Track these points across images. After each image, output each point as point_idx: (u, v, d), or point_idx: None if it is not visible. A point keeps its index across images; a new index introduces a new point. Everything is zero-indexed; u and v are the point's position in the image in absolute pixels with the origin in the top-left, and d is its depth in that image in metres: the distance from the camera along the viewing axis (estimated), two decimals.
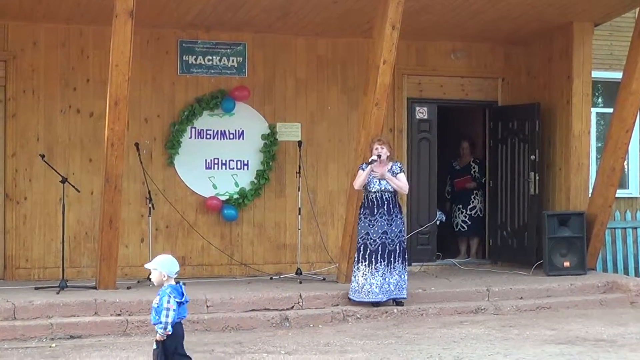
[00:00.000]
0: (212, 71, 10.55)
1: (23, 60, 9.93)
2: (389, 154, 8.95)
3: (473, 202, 11.99)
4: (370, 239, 8.80)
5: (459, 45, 11.41)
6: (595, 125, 11.91)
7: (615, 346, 7.39)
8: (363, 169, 8.90)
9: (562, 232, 10.50)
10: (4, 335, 7.65)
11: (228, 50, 10.61)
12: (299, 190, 10.31)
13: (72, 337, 7.80)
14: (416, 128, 11.37)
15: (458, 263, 11.50)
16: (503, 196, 11.52)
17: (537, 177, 11.05)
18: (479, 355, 7.04)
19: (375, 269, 8.75)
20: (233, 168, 10.63)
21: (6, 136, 9.89)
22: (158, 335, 5.43)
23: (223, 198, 10.53)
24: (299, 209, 10.31)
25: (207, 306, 8.49)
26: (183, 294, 5.53)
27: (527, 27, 10.81)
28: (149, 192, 9.78)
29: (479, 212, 11.98)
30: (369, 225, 8.83)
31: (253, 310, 8.57)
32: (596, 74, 11.15)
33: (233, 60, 10.63)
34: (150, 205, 9.75)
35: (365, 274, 8.77)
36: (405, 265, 8.96)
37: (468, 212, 11.98)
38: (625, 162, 11.57)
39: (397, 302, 8.90)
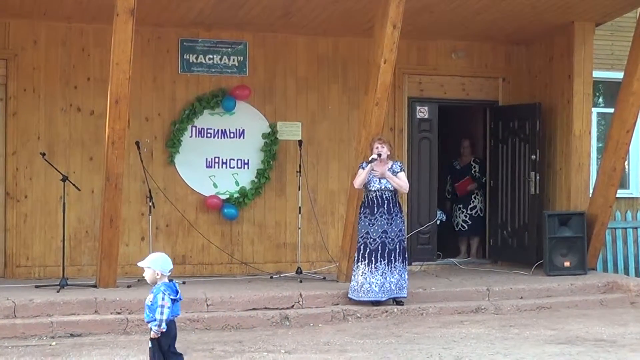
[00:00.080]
0: (213, 70, 10.55)
1: (24, 59, 9.93)
2: (389, 153, 8.95)
3: (473, 201, 11.99)
4: (370, 238, 8.80)
5: (459, 45, 11.41)
6: (596, 125, 11.91)
7: (615, 346, 7.39)
8: (363, 168, 8.90)
9: (562, 232, 10.50)
10: (5, 334, 7.66)
11: (229, 49, 10.61)
12: (299, 190, 10.31)
13: (72, 335, 7.80)
14: (417, 127, 11.37)
15: (458, 263, 11.50)
16: (503, 196, 11.52)
17: (538, 177, 11.05)
18: (479, 354, 7.03)
19: (375, 268, 8.75)
20: (233, 167, 10.63)
21: (7, 134, 9.89)
22: (152, 332, 5.43)
23: (223, 197, 10.53)
24: (300, 208, 10.31)
25: (207, 305, 8.49)
26: (177, 292, 5.52)
27: (528, 27, 10.80)
28: (150, 191, 9.78)
29: (479, 211, 11.98)
30: (369, 224, 8.83)
31: (253, 309, 8.57)
32: (597, 74, 11.14)
33: (234, 59, 10.63)
34: (150, 203, 9.75)
35: (365, 273, 8.77)
36: (406, 264, 8.96)
37: (468, 211, 11.99)
38: (626, 162, 11.57)
39: (397, 302, 8.90)
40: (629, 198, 12.18)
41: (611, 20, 10.98)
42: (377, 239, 8.79)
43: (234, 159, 10.64)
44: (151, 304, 5.45)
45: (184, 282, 9.44)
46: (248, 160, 10.67)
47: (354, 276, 8.88)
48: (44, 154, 9.40)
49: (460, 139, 12.26)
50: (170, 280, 5.56)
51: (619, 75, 10.55)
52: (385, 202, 8.86)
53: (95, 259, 9.36)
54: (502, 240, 11.56)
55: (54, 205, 9.90)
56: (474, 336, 7.82)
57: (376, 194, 8.87)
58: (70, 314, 8.07)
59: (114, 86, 8.43)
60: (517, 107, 11.47)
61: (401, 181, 8.93)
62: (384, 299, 8.79)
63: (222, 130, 10.59)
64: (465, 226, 12.00)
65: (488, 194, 11.85)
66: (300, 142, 10.45)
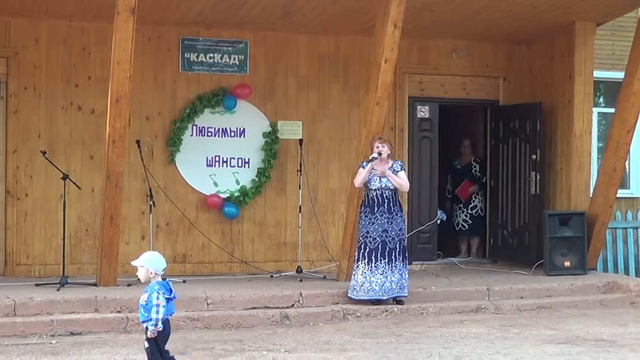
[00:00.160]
0: (214, 69, 10.55)
1: (25, 57, 9.94)
2: (389, 152, 8.95)
3: (474, 201, 11.98)
4: (370, 237, 8.80)
5: (460, 44, 11.41)
6: (597, 125, 11.91)
7: (615, 346, 7.39)
8: (364, 167, 8.90)
9: (562, 231, 10.49)
10: (5, 332, 7.65)
11: (230, 47, 10.61)
12: (299, 189, 10.31)
13: (72, 333, 7.80)
14: (417, 127, 11.37)
15: (458, 262, 11.50)
16: (504, 195, 11.52)
17: (538, 177, 11.05)
18: (479, 354, 7.03)
19: (375, 267, 8.75)
20: (234, 166, 10.64)
21: (7, 133, 9.90)
22: (149, 332, 5.42)
23: (224, 196, 10.53)
24: (300, 207, 10.31)
25: (208, 304, 8.49)
26: (171, 290, 5.51)
27: (529, 27, 10.80)
28: (150, 190, 9.79)
29: (479, 211, 11.98)
30: (369, 223, 8.83)
31: (253, 308, 8.56)
32: (598, 74, 11.14)
33: (234, 58, 10.63)
34: (151, 202, 9.75)
35: (365, 272, 8.77)
36: (406, 263, 8.96)
37: (469, 211, 11.98)
38: (627, 162, 11.57)
39: (398, 301, 8.90)
40: (630, 198, 12.18)
41: (612, 20, 10.97)
42: (377, 238, 8.79)
43: (234, 158, 10.64)
44: (146, 304, 5.44)
45: (184, 281, 9.46)
46: (249, 159, 10.67)
47: (354, 275, 8.88)
48: (44, 153, 9.41)
49: (461, 139, 12.26)
50: (164, 279, 5.54)
51: (619, 75, 10.55)
52: (386, 201, 8.86)
53: (96, 258, 9.36)
54: (503, 239, 11.56)
55: (54, 204, 9.90)
56: (474, 336, 7.82)
57: (377, 193, 8.87)
58: (70, 313, 8.07)
59: (114, 85, 8.43)
60: (518, 106, 11.47)
61: (402, 180, 8.93)
62: (384, 298, 8.79)
63: (222, 129, 10.60)
64: (466, 226, 12.00)
65: (488, 194, 11.85)
66: (300, 141, 10.44)
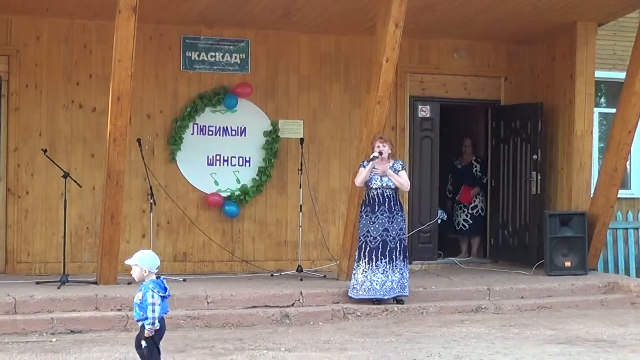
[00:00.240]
0: (215, 67, 10.55)
1: (26, 55, 9.94)
2: (390, 151, 8.95)
3: (474, 201, 11.98)
4: (371, 236, 8.80)
5: (462, 44, 11.40)
6: (598, 126, 11.90)
7: (615, 347, 7.38)
8: (364, 166, 8.90)
9: (563, 232, 10.49)
10: (5, 329, 7.66)
11: (231, 46, 10.61)
12: (300, 188, 10.31)
13: (72, 331, 7.80)
14: (418, 126, 11.37)
15: (459, 262, 11.50)
16: (505, 195, 11.52)
17: (539, 177, 11.04)
18: (479, 354, 7.03)
19: (376, 266, 8.75)
20: (235, 165, 10.64)
21: (9, 130, 9.90)
22: (146, 331, 5.41)
23: (224, 194, 10.53)
24: (301, 206, 10.31)
25: (208, 302, 8.49)
26: (166, 289, 5.50)
27: (531, 27, 10.79)
28: (151, 188, 9.79)
29: (480, 211, 11.98)
30: (370, 222, 8.83)
31: (253, 307, 8.57)
32: (599, 74, 11.13)
33: (236, 57, 10.62)
34: (151, 201, 9.75)
35: (366, 271, 8.77)
36: (407, 263, 8.97)
37: (469, 211, 11.98)
38: (628, 163, 11.56)
39: (398, 300, 8.90)
40: (630, 198, 12.17)
41: (614, 21, 10.97)
42: (377, 237, 8.79)
43: (235, 157, 10.64)
44: (141, 302, 5.43)
45: (184, 280, 9.46)
46: (249, 158, 10.67)
47: (354, 274, 8.88)
48: (45, 151, 9.42)
49: (462, 138, 12.25)
50: (158, 277, 5.53)
51: (621, 75, 10.55)
52: (387, 200, 8.86)
53: (96, 256, 9.37)
54: (503, 239, 11.55)
55: (55, 202, 9.91)
56: (474, 335, 7.82)
57: (377, 192, 8.87)
58: (70, 311, 8.07)
59: (115, 83, 8.43)
60: (519, 106, 11.46)
61: (402, 179, 8.93)
62: (385, 297, 8.78)
63: (223, 127, 10.60)
64: (466, 225, 12.00)
65: (489, 194, 11.85)
66: (301, 140, 10.44)
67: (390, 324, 8.38)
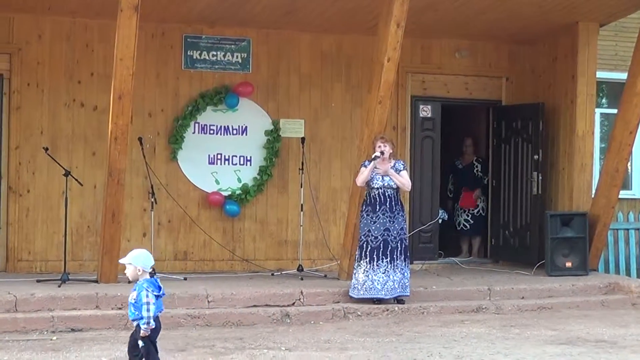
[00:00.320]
0: (217, 66, 10.55)
1: (28, 53, 9.94)
2: (391, 151, 8.95)
3: (478, 204, 11.96)
4: (372, 235, 8.80)
5: (463, 44, 11.40)
6: (599, 126, 11.90)
7: (616, 347, 7.38)
8: (366, 166, 8.90)
9: (564, 232, 10.49)
10: (6, 328, 7.66)
11: (232, 45, 10.61)
12: (301, 187, 10.31)
13: (73, 330, 7.80)
14: (420, 126, 11.36)
15: (460, 262, 11.50)
16: (506, 196, 11.52)
17: (540, 177, 11.04)
18: (479, 354, 7.03)
19: (377, 265, 8.75)
20: (236, 164, 10.64)
21: (10, 129, 9.90)
22: (142, 331, 5.40)
23: (225, 193, 10.53)
24: (301, 205, 10.31)
25: (208, 301, 8.50)
26: (160, 287, 5.49)
27: (532, 27, 10.79)
28: (152, 187, 9.79)
29: (481, 211, 11.97)
30: (371, 222, 8.83)
31: (254, 306, 8.57)
32: (601, 75, 11.13)
33: (237, 56, 10.62)
34: (152, 199, 9.75)
35: (367, 271, 8.77)
36: (408, 262, 8.97)
37: (470, 211, 11.98)
38: (629, 164, 11.55)
39: (398, 300, 8.90)
40: (631, 199, 12.17)
41: (615, 21, 10.96)
42: (379, 237, 8.79)
43: (236, 156, 10.64)
44: (135, 302, 5.41)
45: (185, 278, 9.46)
46: (250, 157, 10.67)
47: (355, 274, 8.88)
48: (46, 149, 9.41)
49: (463, 138, 12.25)
50: (152, 276, 5.52)
51: (622, 76, 10.55)
52: (388, 199, 8.86)
53: (97, 254, 9.36)
54: (504, 240, 11.55)
55: (56, 200, 9.91)
56: (474, 336, 7.82)
57: (379, 192, 8.87)
58: (71, 309, 8.07)
59: (117, 82, 8.43)
60: (521, 106, 11.46)
61: (404, 179, 8.93)
62: (387, 297, 8.78)
63: (224, 126, 10.60)
64: (467, 225, 11.99)
65: (490, 194, 11.84)
66: (302, 139, 10.44)
67: (391, 323, 8.38)
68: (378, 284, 8.74)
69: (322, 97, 10.92)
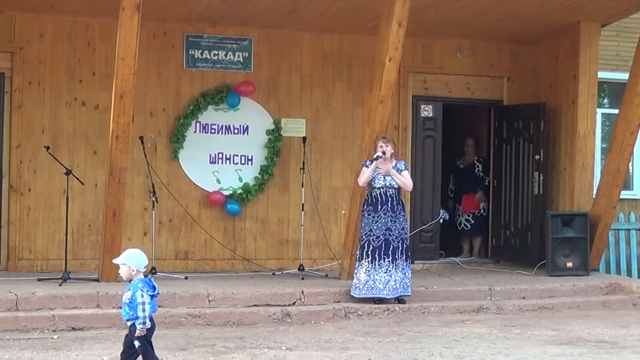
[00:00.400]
0: (218, 66, 10.55)
1: (29, 52, 9.95)
2: (393, 151, 8.95)
3: (481, 206, 11.95)
4: (374, 235, 8.80)
5: (465, 44, 11.40)
6: (601, 126, 11.89)
7: (617, 348, 7.38)
8: (367, 166, 8.90)
9: (565, 232, 10.48)
10: (6, 326, 7.67)
11: (234, 45, 10.61)
12: (302, 187, 10.31)
13: (74, 329, 7.81)
14: (421, 126, 11.36)
15: (461, 262, 11.50)
16: (507, 196, 11.51)
17: (541, 177, 11.04)
18: (480, 354, 7.03)
19: (379, 265, 8.76)
20: (237, 163, 10.64)
21: (11, 127, 9.91)
22: (138, 331, 5.39)
23: (227, 193, 10.54)
24: (303, 205, 10.31)
25: (209, 300, 8.50)
26: (155, 287, 5.49)
27: (534, 27, 10.79)
28: (153, 186, 9.79)
29: (482, 211, 11.97)
30: (373, 221, 8.83)
31: (255, 305, 8.57)
32: (602, 75, 11.12)
33: (239, 55, 10.62)
34: (153, 198, 9.76)
35: (369, 270, 8.77)
36: (409, 262, 8.97)
37: (471, 211, 11.97)
38: (630, 164, 11.55)
39: (399, 300, 8.90)
40: (633, 199, 12.16)
41: (617, 21, 10.96)
42: (380, 237, 8.79)
43: (237, 155, 10.64)
44: (130, 302, 5.41)
45: (186, 278, 9.46)
46: (252, 156, 10.67)
47: (357, 274, 8.87)
48: (48, 148, 9.41)
49: (464, 138, 12.25)
50: (146, 276, 5.52)
51: (624, 76, 10.54)
52: (390, 199, 8.86)
53: (98, 253, 9.37)
54: (505, 240, 11.55)
55: (57, 199, 9.91)
56: (475, 335, 7.82)
57: (380, 191, 8.87)
58: (72, 308, 8.08)
59: (118, 81, 8.43)
60: (522, 106, 11.46)
61: (406, 179, 8.94)
62: (388, 296, 8.78)
63: (226, 126, 10.60)
64: (468, 225, 11.99)
65: (491, 194, 11.84)
66: (304, 139, 10.45)
67: (392, 323, 8.38)
68: (380, 284, 8.74)
69: (324, 97, 10.92)
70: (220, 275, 9.96)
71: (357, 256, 8.96)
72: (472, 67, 11.50)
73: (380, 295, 8.76)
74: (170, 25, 10.34)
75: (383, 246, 8.77)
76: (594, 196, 10.72)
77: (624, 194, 11.48)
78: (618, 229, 11.78)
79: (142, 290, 5.38)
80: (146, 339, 5.45)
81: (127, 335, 5.58)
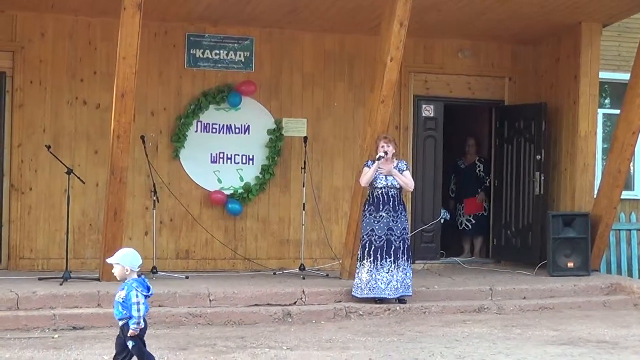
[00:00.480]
0: (219, 65, 10.55)
1: (31, 51, 9.95)
2: (394, 151, 8.95)
3: (484, 208, 11.95)
4: (376, 235, 8.80)
5: (466, 44, 11.40)
6: (602, 126, 11.88)
7: (617, 348, 7.37)
8: (368, 166, 8.90)
9: (566, 232, 10.48)
10: (7, 325, 7.67)
11: (235, 44, 10.61)
12: (303, 186, 10.31)
13: (74, 328, 7.81)
14: (422, 126, 11.36)
15: (461, 262, 11.49)
16: (508, 196, 11.51)
17: (542, 177, 11.03)
18: (480, 354, 7.03)
19: (381, 265, 8.76)
20: (238, 162, 10.64)
21: (13, 127, 9.91)
22: (131, 330, 5.37)
23: (228, 192, 10.54)
24: (304, 204, 10.31)
25: (210, 300, 8.50)
26: (149, 288, 5.48)
27: (535, 27, 10.78)
28: (154, 185, 9.79)
29: (483, 211, 11.96)
30: (374, 221, 8.83)
31: (256, 305, 8.57)
32: (603, 75, 11.12)
33: (240, 55, 10.62)
34: (154, 198, 9.76)
35: (371, 270, 8.77)
36: (410, 262, 8.96)
37: (476, 213, 11.96)
38: (631, 164, 11.55)
39: (400, 300, 8.89)
40: (634, 200, 12.16)
41: (618, 21, 10.95)
42: (382, 236, 8.79)
43: (238, 155, 10.64)
44: (123, 301, 5.40)
45: (187, 277, 9.46)
46: (253, 156, 10.67)
47: (358, 274, 8.87)
48: (49, 147, 9.41)
49: (465, 138, 12.24)
50: (139, 276, 5.51)
51: (625, 76, 10.54)
52: (391, 199, 8.86)
53: (99, 253, 9.37)
54: (506, 240, 11.55)
55: (58, 198, 9.92)
56: (476, 335, 7.81)
57: (382, 191, 8.87)
58: (73, 307, 8.08)
59: (120, 80, 8.44)
60: (523, 106, 11.46)
61: (407, 179, 8.94)
62: (390, 296, 8.78)
63: (227, 125, 10.60)
64: (469, 225, 11.99)
65: (492, 194, 11.84)
66: (305, 138, 10.44)
67: (393, 323, 8.38)
68: (382, 284, 8.74)
69: (325, 97, 10.92)
70: (221, 275, 9.96)
71: (359, 256, 8.96)
72: (473, 67, 11.50)
73: (382, 295, 8.76)
74: (172, 25, 10.34)
75: (385, 246, 8.77)
76: (595, 196, 10.71)
77: (625, 194, 11.48)
78: (619, 229, 11.77)
79: (136, 290, 5.37)
80: (139, 338, 5.44)
81: (118, 336, 5.56)
